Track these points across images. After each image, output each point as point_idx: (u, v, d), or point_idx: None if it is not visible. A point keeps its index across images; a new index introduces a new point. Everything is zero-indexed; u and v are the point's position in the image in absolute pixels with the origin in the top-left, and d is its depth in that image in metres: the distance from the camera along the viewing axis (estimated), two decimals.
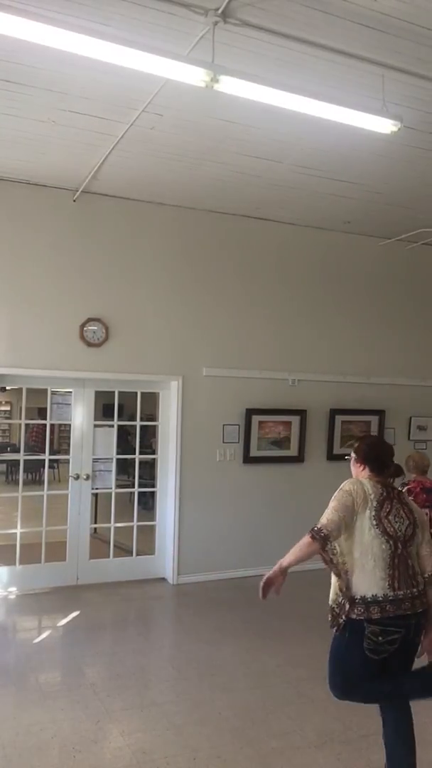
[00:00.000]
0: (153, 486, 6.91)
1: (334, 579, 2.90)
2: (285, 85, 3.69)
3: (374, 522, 2.86)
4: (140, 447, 7.00)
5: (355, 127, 4.10)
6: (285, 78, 3.90)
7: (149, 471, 7.22)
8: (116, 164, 5.54)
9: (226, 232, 6.87)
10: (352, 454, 3.19)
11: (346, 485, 2.97)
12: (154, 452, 6.98)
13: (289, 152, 5.19)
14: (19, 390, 6.42)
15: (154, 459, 6.93)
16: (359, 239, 7.48)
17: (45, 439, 6.60)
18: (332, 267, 7.38)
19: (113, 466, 6.64)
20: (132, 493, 7.08)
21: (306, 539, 2.84)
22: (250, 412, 6.82)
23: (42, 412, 6.49)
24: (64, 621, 5.42)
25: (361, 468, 3.12)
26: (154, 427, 6.88)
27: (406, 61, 3.86)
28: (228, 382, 6.82)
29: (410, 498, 5.14)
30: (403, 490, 5.18)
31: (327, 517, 2.86)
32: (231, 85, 3.50)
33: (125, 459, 7.30)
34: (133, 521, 6.71)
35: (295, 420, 7.08)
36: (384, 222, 7.00)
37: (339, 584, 2.87)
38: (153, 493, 6.97)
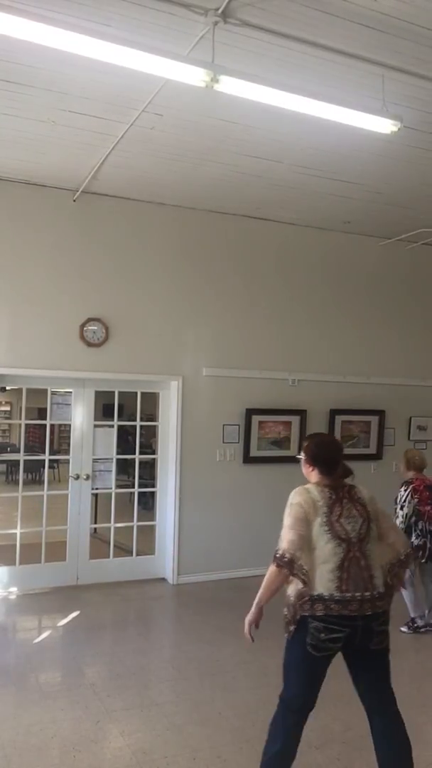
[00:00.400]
0: (153, 486, 6.91)
1: (292, 587, 2.82)
2: (285, 85, 3.69)
3: (326, 528, 2.82)
4: (140, 447, 7.01)
5: (355, 127, 4.10)
6: (285, 78, 3.91)
7: (149, 471, 7.22)
8: (116, 164, 5.54)
9: (226, 232, 6.87)
10: (302, 455, 3.11)
11: (294, 498, 2.90)
12: (154, 452, 6.99)
13: (289, 152, 5.19)
14: (19, 390, 6.43)
15: (154, 459, 6.94)
16: (359, 239, 7.48)
17: (45, 440, 6.60)
18: (332, 267, 7.38)
19: (113, 466, 6.64)
20: (132, 493, 7.08)
21: (273, 569, 2.78)
22: (250, 412, 6.82)
23: (42, 412, 6.49)
24: (64, 621, 5.42)
25: (311, 469, 3.06)
26: (154, 427, 6.89)
27: (406, 61, 3.86)
28: (228, 382, 6.82)
29: (416, 495, 5.21)
30: (408, 488, 5.24)
31: (286, 539, 2.79)
32: (231, 85, 3.50)
33: (125, 459, 7.30)
34: (133, 521, 6.71)
35: (295, 420, 7.08)
36: (384, 222, 7.00)
37: (301, 590, 2.77)
38: (153, 493, 6.97)
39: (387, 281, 7.67)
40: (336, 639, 2.79)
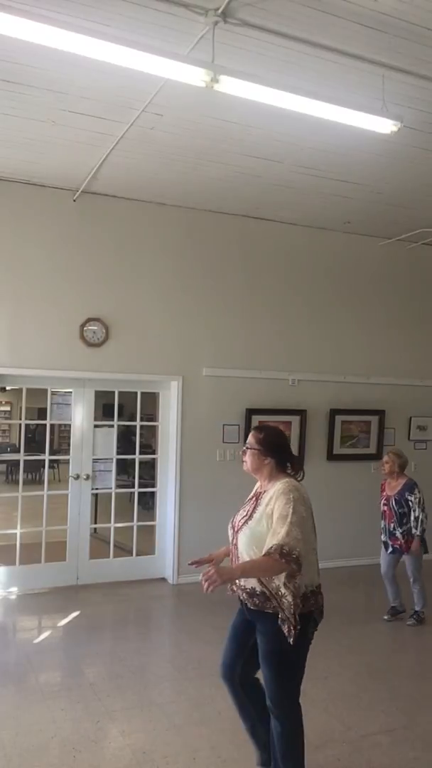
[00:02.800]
0: (153, 486, 6.91)
1: (286, 592, 2.70)
2: (285, 85, 3.69)
3: (312, 522, 2.87)
4: (140, 447, 7.01)
5: (355, 127, 4.10)
6: (285, 78, 3.91)
7: (149, 471, 7.22)
8: (116, 164, 5.54)
9: (226, 232, 6.87)
10: (255, 446, 2.95)
11: (293, 492, 2.77)
12: (154, 452, 6.99)
13: (289, 152, 5.18)
14: (19, 390, 6.43)
15: (154, 459, 6.93)
16: (359, 239, 7.48)
17: (45, 439, 6.59)
18: (332, 267, 7.38)
19: (113, 466, 6.64)
20: (132, 493, 7.08)
21: (278, 562, 2.62)
22: (250, 412, 6.82)
23: (42, 412, 6.49)
24: (64, 621, 5.42)
25: (265, 460, 2.93)
26: (154, 427, 6.89)
27: (406, 61, 3.86)
28: (228, 382, 6.82)
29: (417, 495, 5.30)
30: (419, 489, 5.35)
31: (292, 536, 2.65)
32: (231, 85, 3.50)
33: (125, 459, 7.30)
34: (133, 521, 6.71)
35: (295, 420, 7.08)
36: (384, 222, 7.00)
37: (298, 586, 2.71)
38: (153, 493, 6.96)
39: (387, 281, 7.66)
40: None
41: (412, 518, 5.33)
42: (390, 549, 5.47)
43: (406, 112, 4.24)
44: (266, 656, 2.82)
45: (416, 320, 7.82)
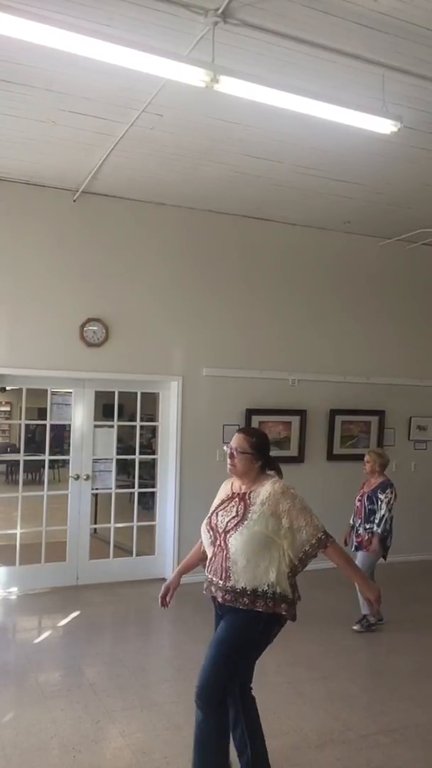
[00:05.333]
0: (153, 486, 6.91)
1: (284, 579, 2.85)
2: (285, 85, 3.69)
3: None
4: (140, 447, 7.01)
5: (355, 127, 4.10)
6: (285, 78, 3.90)
7: (149, 471, 7.22)
8: (116, 164, 5.54)
9: (226, 232, 6.87)
10: (249, 450, 2.96)
11: (293, 490, 2.93)
12: (154, 452, 6.99)
13: (289, 152, 5.18)
14: (19, 390, 6.42)
15: (154, 459, 6.93)
16: (359, 239, 7.48)
17: (45, 439, 6.59)
18: (332, 267, 7.38)
19: (113, 467, 6.64)
20: (132, 493, 7.08)
21: (341, 548, 2.97)
22: (250, 412, 6.82)
23: (42, 412, 6.49)
24: (64, 621, 5.42)
25: (256, 464, 2.98)
26: (154, 427, 6.88)
27: (406, 61, 3.86)
28: (228, 382, 6.82)
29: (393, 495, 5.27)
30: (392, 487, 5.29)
31: (319, 521, 2.90)
32: (231, 85, 3.50)
33: (125, 459, 7.30)
34: (133, 521, 6.71)
35: (295, 420, 7.08)
36: (384, 222, 7.00)
37: (290, 579, 2.86)
38: (153, 493, 6.96)
39: (387, 281, 7.66)
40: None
41: (378, 516, 5.23)
42: (353, 546, 5.35)
43: (406, 112, 4.24)
44: (219, 643, 2.85)
45: (416, 320, 7.82)
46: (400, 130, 4.09)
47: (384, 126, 4.05)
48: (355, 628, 5.25)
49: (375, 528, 5.25)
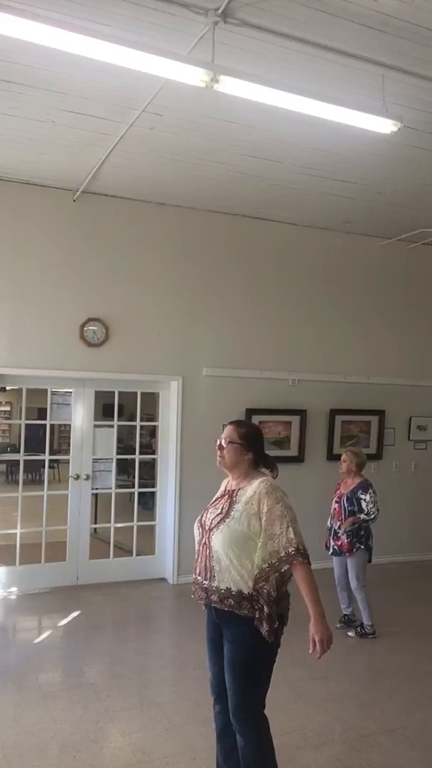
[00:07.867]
0: (153, 486, 6.91)
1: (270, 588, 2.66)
2: (285, 85, 3.69)
3: None
4: (140, 447, 7.00)
5: (355, 127, 4.10)
6: (285, 78, 3.90)
7: (149, 471, 7.22)
8: (116, 164, 5.54)
9: (226, 232, 6.87)
10: (237, 440, 2.86)
11: (278, 492, 2.71)
12: (154, 452, 6.98)
13: (289, 152, 5.19)
14: (19, 390, 6.43)
15: (154, 459, 6.93)
16: (359, 239, 7.48)
17: (45, 439, 6.60)
18: (332, 267, 7.38)
19: (113, 466, 6.64)
20: (132, 493, 7.08)
21: (308, 568, 2.62)
22: (250, 412, 6.82)
23: (42, 412, 6.49)
24: (64, 621, 5.42)
25: (245, 456, 2.85)
26: (154, 427, 6.88)
27: (406, 61, 3.86)
28: (228, 382, 6.82)
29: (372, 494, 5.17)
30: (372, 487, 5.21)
31: (298, 533, 2.63)
32: (231, 85, 3.50)
33: (125, 459, 7.30)
34: (133, 521, 6.71)
35: (295, 420, 7.08)
36: (384, 222, 7.00)
37: (279, 584, 2.69)
38: (153, 493, 6.97)
39: (387, 281, 7.66)
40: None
41: (362, 516, 5.12)
42: (331, 550, 5.26)
43: (406, 112, 4.24)
44: (234, 665, 2.69)
45: (416, 320, 7.81)
46: (400, 130, 4.10)
47: (384, 126, 4.05)
48: (350, 634, 5.24)
49: (362, 516, 5.12)
